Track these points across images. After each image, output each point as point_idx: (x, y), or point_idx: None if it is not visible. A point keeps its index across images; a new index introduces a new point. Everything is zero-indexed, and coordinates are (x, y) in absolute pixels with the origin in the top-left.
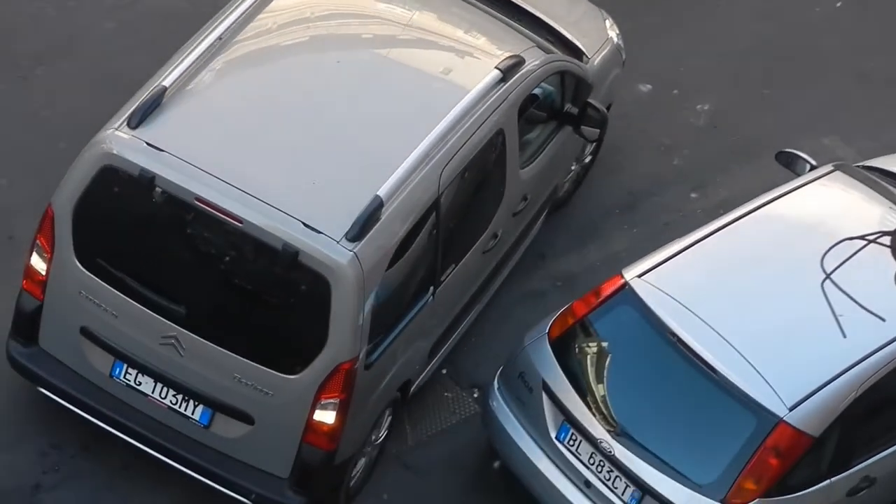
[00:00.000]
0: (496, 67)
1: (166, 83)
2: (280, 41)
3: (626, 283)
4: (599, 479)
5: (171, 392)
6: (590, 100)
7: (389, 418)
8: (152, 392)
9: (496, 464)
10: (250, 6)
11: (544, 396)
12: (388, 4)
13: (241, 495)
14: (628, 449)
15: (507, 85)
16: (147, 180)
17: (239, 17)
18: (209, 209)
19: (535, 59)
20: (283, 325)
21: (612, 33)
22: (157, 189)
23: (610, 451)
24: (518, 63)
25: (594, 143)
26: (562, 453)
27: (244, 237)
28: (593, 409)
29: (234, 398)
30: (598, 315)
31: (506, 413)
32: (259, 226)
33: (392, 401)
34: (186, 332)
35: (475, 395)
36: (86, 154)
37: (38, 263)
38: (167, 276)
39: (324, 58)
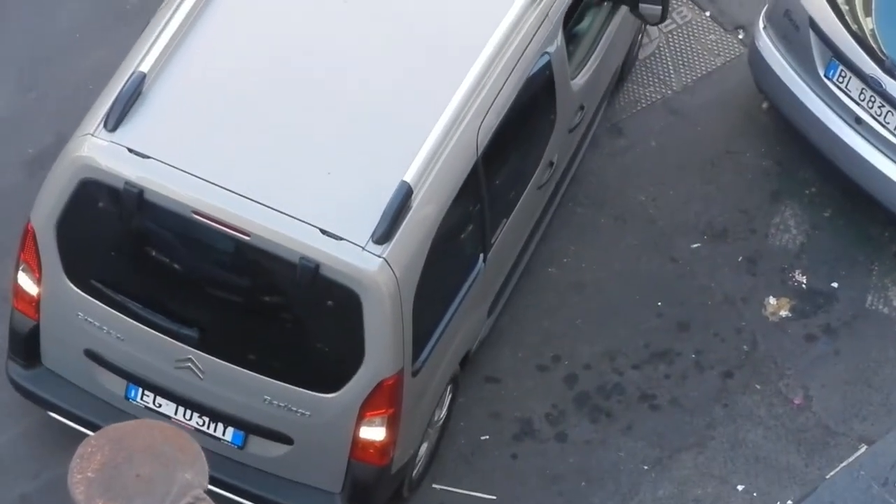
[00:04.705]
0: None
1: (144, 68)
2: None
3: None
4: (870, 115)
5: (196, 414)
6: None
7: (451, 394)
8: (175, 414)
9: (764, 105)
10: None
11: (811, 33)
12: None
13: None
14: None
15: None
16: (134, 195)
17: None
18: (210, 223)
19: None
20: (312, 343)
21: None
22: (148, 202)
23: (881, 86)
24: None
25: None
26: (831, 90)
27: (255, 251)
28: (863, 44)
29: (266, 420)
30: None
31: (772, 53)
32: (269, 238)
33: (452, 377)
34: (203, 354)
35: (740, 37)
36: (61, 165)
37: (26, 283)
38: (173, 295)
39: (326, 5)
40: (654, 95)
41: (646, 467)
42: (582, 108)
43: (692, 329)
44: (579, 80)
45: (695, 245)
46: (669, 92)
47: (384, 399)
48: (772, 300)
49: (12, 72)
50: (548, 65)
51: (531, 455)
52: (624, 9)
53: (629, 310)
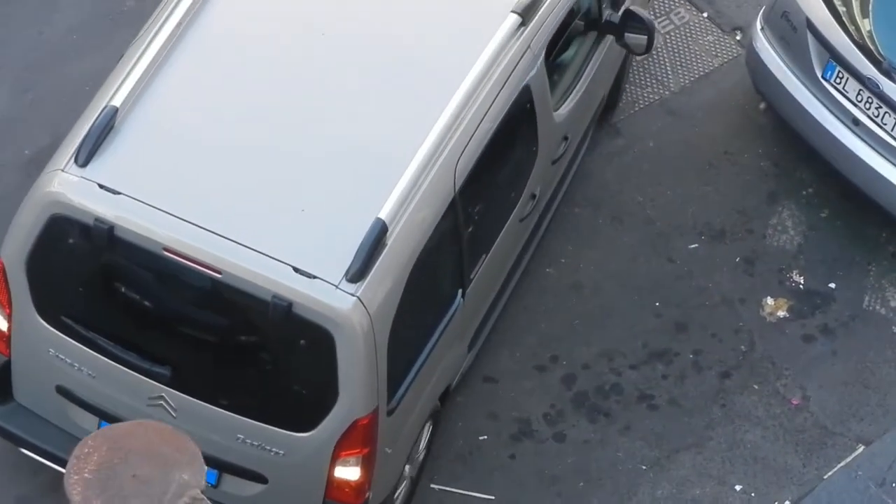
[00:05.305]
0: (512, 11)
1: (116, 102)
2: (245, 26)
3: None
4: (868, 117)
5: None
6: (630, 7)
7: (430, 429)
8: None
9: (762, 105)
10: None
11: (809, 35)
12: None
13: None
14: None
15: (528, 30)
16: (105, 231)
17: (194, 5)
18: (181, 260)
19: None
20: (286, 382)
21: None
22: (118, 239)
23: (878, 88)
24: None
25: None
26: (828, 92)
27: (227, 289)
28: (860, 46)
29: (240, 459)
30: None
31: (770, 54)
32: (241, 276)
33: (431, 414)
34: (175, 391)
35: (738, 38)
36: (30, 201)
37: None
38: (144, 332)
39: (302, 37)
40: (651, 96)
41: (644, 467)
42: (566, 138)
43: (690, 329)
44: (563, 111)
45: (692, 246)
46: (667, 93)
47: (359, 438)
48: (769, 301)
49: (9, 73)
50: (529, 96)
51: (529, 455)
52: (609, 38)
53: (627, 310)
